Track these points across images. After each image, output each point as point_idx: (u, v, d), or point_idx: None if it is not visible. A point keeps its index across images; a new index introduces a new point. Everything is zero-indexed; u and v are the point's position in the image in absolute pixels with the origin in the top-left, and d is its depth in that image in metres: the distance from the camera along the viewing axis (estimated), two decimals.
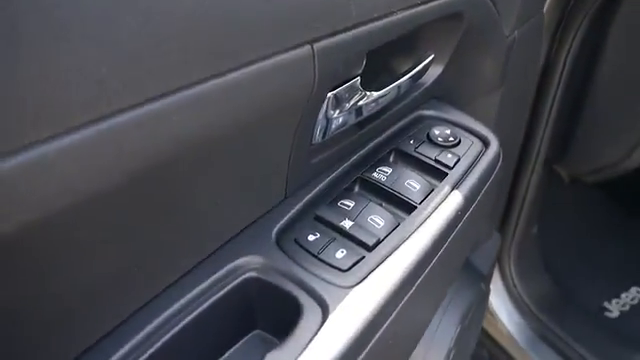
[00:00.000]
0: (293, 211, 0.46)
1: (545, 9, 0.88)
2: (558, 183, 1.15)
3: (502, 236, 1.04)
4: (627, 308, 1.14)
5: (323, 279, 0.41)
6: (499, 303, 1.08)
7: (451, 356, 0.70)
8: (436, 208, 0.48)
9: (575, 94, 0.97)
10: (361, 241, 0.44)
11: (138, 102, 0.28)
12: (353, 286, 0.40)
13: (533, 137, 0.97)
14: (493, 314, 1.08)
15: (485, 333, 1.08)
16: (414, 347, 0.54)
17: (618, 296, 1.16)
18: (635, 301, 1.15)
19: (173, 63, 0.29)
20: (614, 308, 1.14)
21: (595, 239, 1.26)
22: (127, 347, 0.36)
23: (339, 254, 0.42)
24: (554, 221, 1.16)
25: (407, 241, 0.44)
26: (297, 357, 0.37)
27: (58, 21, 0.24)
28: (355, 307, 0.39)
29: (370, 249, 0.43)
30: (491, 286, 1.05)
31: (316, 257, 0.42)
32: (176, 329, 0.38)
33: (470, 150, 0.55)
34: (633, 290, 1.17)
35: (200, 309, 0.39)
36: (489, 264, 0.85)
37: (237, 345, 0.43)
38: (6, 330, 0.29)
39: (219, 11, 0.30)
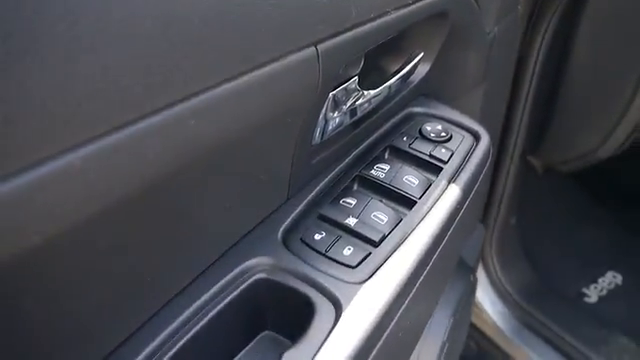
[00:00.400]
0: (297, 211, 0.47)
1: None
2: (533, 174, 1.19)
3: (485, 228, 1.08)
4: (605, 293, 1.19)
5: (333, 276, 0.42)
6: (483, 294, 1.12)
7: (445, 349, 0.72)
8: (435, 202, 0.50)
9: (549, 85, 1.01)
10: (367, 237, 0.45)
11: (158, 108, 0.28)
12: (363, 282, 0.42)
13: (510, 129, 1.01)
14: (478, 305, 1.11)
15: (471, 325, 1.12)
16: (418, 339, 0.56)
17: (595, 281, 1.21)
18: (612, 285, 1.21)
19: (189, 68, 0.29)
20: (592, 293, 1.19)
21: (570, 227, 1.32)
22: (142, 355, 0.36)
23: (346, 251, 0.44)
24: (531, 211, 1.20)
25: (411, 235, 0.46)
26: (314, 355, 0.37)
27: (82, 33, 0.24)
28: (367, 303, 0.40)
29: (376, 245, 0.45)
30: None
31: (324, 255, 0.43)
32: (190, 334, 0.38)
33: (462, 144, 0.57)
34: (609, 275, 1.23)
35: (212, 313, 0.40)
36: (475, 256, 0.88)
37: (248, 347, 0.44)
38: (26, 340, 0.29)
39: (232, 16, 0.31)
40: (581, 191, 1.37)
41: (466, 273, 0.78)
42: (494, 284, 1.12)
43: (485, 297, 1.12)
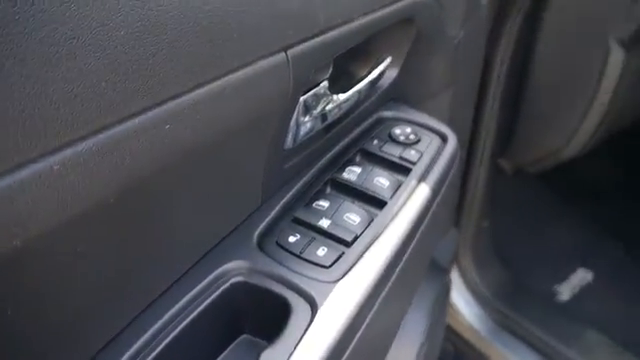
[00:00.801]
0: (271, 215, 0.49)
1: (485, 5, 0.96)
2: (503, 176, 1.24)
3: (459, 231, 1.11)
4: (577, 290, 1.24)
5: (308, 276, 0.44)
6: (459, 296, 1.15)
7: (423, 350, 0.75)
8: (406, 201, 0.52)
9: (515, 88, 1.05)
10: (340, 238, 0.47)
11: (134, 112, 0.30)
12: (337, 281, 0.44)
13: (479, 132, 1.05)
14: (454, 307, 1.15)
15: (448, 327, 1.15)
16: (393, 338, 0.58)
17: (567, 279, 1.26)
18: (584, 282, 1.26)
19: (163, 73, 0.31)
20: (564, 291, 1.24)
21: (542, 227, 1.37)
22: None
23: (320, 252, 0.46)
24: (503, 213, 1.25)
25: (383, 235, 0.48)
26: (291, 353, 0.39)
27: (60, 39, 0.26)
28: (341, 301, 0.42)
29: (349, 245, 0.47)
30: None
31: (299, 257, 0.45)
32: (168, 339, 0.39)
33: (430, 146, 0.60)
34: (580, 272, 1.28)
35: (190, 317, 0.41)
36: (449, 258, 0.91)
37: (226, 351, 0.45)
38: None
39: (204, 22, 0.33)
40: (552, 191, 1.43)
41: (440, 275, 0.81)
42: (469, 286, 1.16)
43: (461, 299, 1.15)
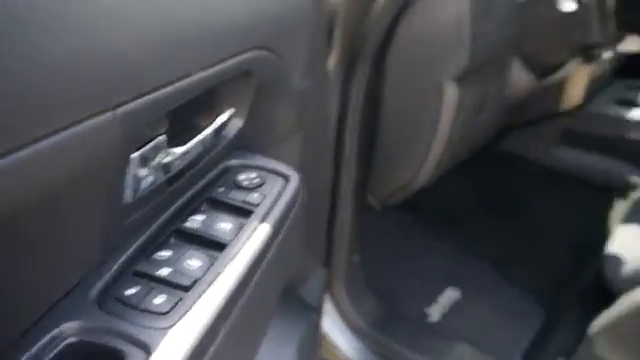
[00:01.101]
0: (112, 271, 0.50)
1: (334, 59, 1.07)
2: (371, 211, 1.34)
3: (330, 268, 1.18)
4: (447, 309, 1.36)
5: (145, 326, 0.45)
6: (335, 330, 1.21)
7: None
8: (246, 242, 0.56)
9: (369, 130, 1.16)
10: (178, 284, 0.49)
11: None
12: (173, 325, 0.46)
13: (340, 171, 1.14)
14: (330, 342, 1.20)
15: None
16: None
17: (436, 300, 1.38)
18: (452, 301, 1.39)
19: None
20: (434, 312, 1.35)
21: (409, 254, 1.49)
22: None
23: (158, 300, 0.48)
24: (373, 246, 1.35)
25: (221, 275, 0.51)
26: None
27: None
28: (175, 343, 0.44)
29: (188, 289, 0.49)
30: (326, 317, 1.17)
31: (136, 308, 0.47)
32: None
33: (274, 188, 0.65)
34: (448, 292, 1.41)
35: None
36: (318, 296, 0.96)
37: None
38: None
39: (25, 82, 0.34)
40: (417, 220, 1.57)
41: (306, 312, 0.85)
42: (345, 320, 1.22)
43: (337, 333, 1.21)
